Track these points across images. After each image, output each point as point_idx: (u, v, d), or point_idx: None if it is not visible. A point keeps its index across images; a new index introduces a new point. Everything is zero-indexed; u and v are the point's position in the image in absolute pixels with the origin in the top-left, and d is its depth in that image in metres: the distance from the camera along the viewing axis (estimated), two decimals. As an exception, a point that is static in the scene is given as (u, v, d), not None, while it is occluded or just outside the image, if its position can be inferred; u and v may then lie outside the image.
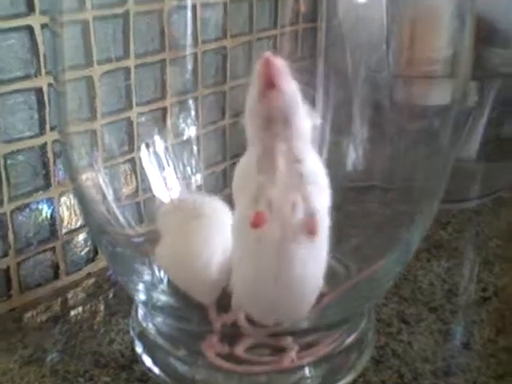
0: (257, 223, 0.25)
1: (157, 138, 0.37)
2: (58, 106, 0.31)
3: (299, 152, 0.24)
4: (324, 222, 0.25)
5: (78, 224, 0.38)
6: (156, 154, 0.36)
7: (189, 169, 0.38)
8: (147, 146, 0.36)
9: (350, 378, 0.30)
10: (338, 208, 0.33)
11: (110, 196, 0.33)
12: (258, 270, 0.26)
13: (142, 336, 0.31)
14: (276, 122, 0.24)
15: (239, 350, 0.28)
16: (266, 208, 0.24)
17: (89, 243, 0.39)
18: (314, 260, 0.25)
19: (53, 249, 0.37)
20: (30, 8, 0.33)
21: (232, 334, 0.28)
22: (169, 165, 0.37)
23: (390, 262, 0.30)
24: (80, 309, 0.36)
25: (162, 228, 0.30)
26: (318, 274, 0.26)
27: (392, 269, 0.30)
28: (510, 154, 0.52)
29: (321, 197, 0.25)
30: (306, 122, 0.24)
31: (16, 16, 0.32)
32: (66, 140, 0.31)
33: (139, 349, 0.31)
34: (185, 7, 0.37)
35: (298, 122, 0.24)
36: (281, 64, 0.23)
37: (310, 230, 0.24)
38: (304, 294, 0.26)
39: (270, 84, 0.23)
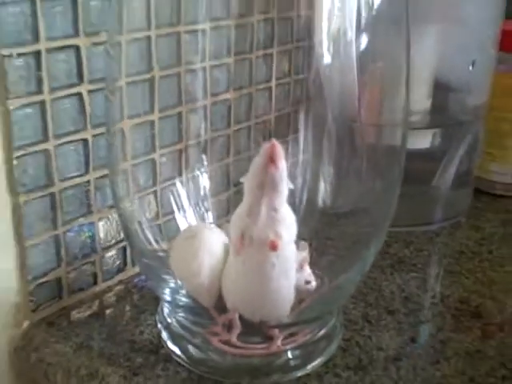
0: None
1: (174, 174, 0.47)
2: (109, 151, 0.41)
3: (276, 205, 0.34)
4: (291, 250, 0.36)
5: (112, 242, 0.48)
6: (174, 186, 0.46)
7: (199, 197, 0.48)
8: (167, 180, 0.46)
9: (321, 359, 0.39)
10: (315, 232, 0.44)
11: (141, 219, 0.43)
12: (245, 284, 0.36)
13: (167, 328, 0.41)
14: (267, 186, 0.34)
15: (233, 337, 0.37)
16: (249, 241, 0.35)
17: (120, 257, 0.49)
18: (284, 276, 0.35)
19: (93, 261, 0.47)
20: (81, 79, 0.42)
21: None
22: (183, 194, 0.47)
23: (353, 274, 0.40)
24: (115, 308, 0.46)
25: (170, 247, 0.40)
26: (289, 285, 0.36)
27: (354, 278, 0.40)
28: (466, 183, 0.62)
29: (287, 233, 0.35)
30: (285, 187, 0.34)
31: (70, 86, 0.42)
32: (113, 178, 0.41)
33: (165, 337, 0.41)
34: (197, 70, 0.47)
35: (280, 187, 0.34)
36: (280, 149, 0.33)
37: (271, 246, 0.34)
38: (279, 300, 0.36)
39: (271, 160, 0.33)
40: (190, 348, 0.39)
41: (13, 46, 0.39)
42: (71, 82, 0.42)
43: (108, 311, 0.45)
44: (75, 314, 0.45)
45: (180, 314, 0.40)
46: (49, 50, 0.40)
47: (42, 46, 0.40)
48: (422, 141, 0.58)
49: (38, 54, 0.40)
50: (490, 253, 0.54)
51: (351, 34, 0.41)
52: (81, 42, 0.42)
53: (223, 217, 0.48)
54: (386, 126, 0.45)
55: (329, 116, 0.46)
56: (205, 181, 0.48)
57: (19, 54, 0.39)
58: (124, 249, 0.49)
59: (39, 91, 0.41)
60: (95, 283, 0.47)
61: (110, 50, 0.39)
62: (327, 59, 0.44)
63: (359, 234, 0.42)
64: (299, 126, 0.48)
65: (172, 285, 0.40)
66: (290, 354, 0.39)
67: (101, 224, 0.47)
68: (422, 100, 0.58)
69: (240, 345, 0.38)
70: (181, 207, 0.46)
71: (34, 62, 0.40)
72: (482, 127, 0.60)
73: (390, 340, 0.42)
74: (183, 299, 0.39)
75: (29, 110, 0.41)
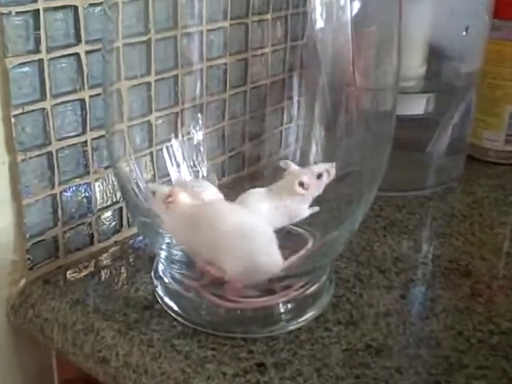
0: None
1: (170, 136, 0.47)
2: (106, 111, 0.41)
3: None
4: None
5: (108, 203, 0.48)
6: (170, 148, 0.47)
7: (195, 160, 0.48)
8: (163, 142, 0.47)
9: (312, 314, 0.40)
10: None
11: (138, 179, 0.43)
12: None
13: (163, 284, 0.42)
14: None
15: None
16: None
17: (116, 218, 0.49)
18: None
19: (89, 222, 0.47)
20: (78, 39, 0.43)
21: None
22: (179, 157, 0.47)
23: (343, 231, 0.41)
24: (111, 267, 0.46)
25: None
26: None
27: (343, 236, 0.41)
28: (459, 149, 0.62)
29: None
30: None
31: (68, 46, 0.42)
32: (110, 138, 0.41)
33: (161, 293, 0.42)
34: (193, 33, 0.47)
35: None
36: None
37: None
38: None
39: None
40: (185, 302, 0.40)
41: (11, 4, 0.39)
42: (69, 42, 0.43)
43: (104, 270, 0.46)
44: (71, 273, 0.46)
45: (175, 269, 0.41)
46: (47, 10, 0.41)
47: (40, 5, 0.40)
48: (417, 106, 0.59)
49: (36, 13, 0.40)
50: (480, 216, 0.55)
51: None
52: (78, 2, 0.42)
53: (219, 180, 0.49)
54: (378, 90, 0.45)
55: (324, 81, 0.46)
56: (201, 143, 0.48)
57: (18, 13, 0.40)
58: (120, 210, 0.49)
59: (37, 50, 0.41)
60: (91, 243, 0.48)
61: (108, 11, 0.40)
62: (321, 25, 0.45)
63: (350, 195, 0.43)
64: (294, 91, 0.49)
65: (167, 240, 0.40)
66: (281, 308, 0.40)
67: (97, 185, 0.47)
68: (416, 66, 0.59)
69: (234, 298, 0.39)
70: (177, 169, 0.47)
71: (32, 21, 0.40)
72: (475, 94, 0.61)
73: (381, 297, 0.43)
74: (178, 253, 0.40)
75: (27, 69, 0.41)
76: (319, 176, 0.39)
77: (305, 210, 0.40)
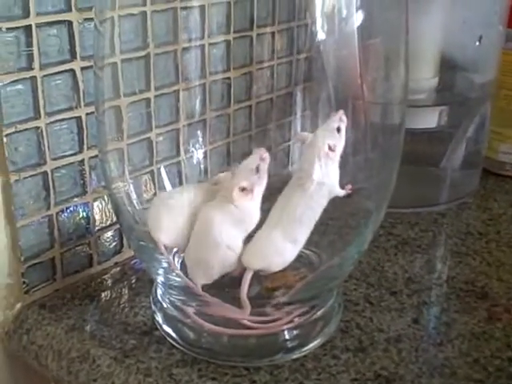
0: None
1: (172, 154, 0.46)
2: (98, 130, 0.40)
3: None
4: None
5: (108, 223, 0.47)
6: (171, 166, 0.45)
7: (197, 179, 0.47)
8: (163, 160, 0.45)
9: (319, 341, 0.38)
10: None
11: (135, 200, 0.41)
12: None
13: (161, 309, 0.40)
14: None
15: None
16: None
17: (116, 238, 0.48)
18: None
19: (88, 243, 0.46)
20: (73, 55, 0.41)
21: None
22: (182, 175, 0.45)
23: (351, 252, 0.39)
24: (110, 290, 0.45)
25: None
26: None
27: (352, 257, 0.39)
28: (474, 163, 0.60)
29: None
30: None
31: (62, 62, 0.41)
32: (103, 157, 0.40)
33: (159, 319, 0.40)
34: (195, 47, 0.45)
35: None
36: None
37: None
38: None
39: None
40: (184, 329, 0.38)
41: (1, 20, 0.38)
42: (63, 59, 0.41)
43: (103, 294, 0.44)
44: (69, 297, 0.44)
45: (173, 295, 0.39)
46: (39, 26, 0.39)
47: (32, 20, 0.39)
48: (429, 119, 0.57)
49: (28, 28, 0.39)
50: (497, 233, 0.52)
51: (348, 11, 0.40)
52: (73, 17, 0.41)
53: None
54: (386, 103, 0.43)
55: (330, 94, 0.45)
56: (204, 161, 0.46)
57: (8, 29, 0.38)
58: (121, 230, 0.48)
59: (30, 67, 0.40)
60: (91, 265, 0.46)
61: (99, 27, 0.38)
62: (325, 37, 0.43)
63: (359, 214, 0.41)
64: (301, 105, 0.47)
65: (165, 265, 0.38)
66: (287, 335, 0.38)
67: (96, 204, 0.46)
68: (428, 77, 0.57)
69: (250, 324, 0.36)
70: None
71: (24, 37, 0.39)
72: (489, 106, 0.59)
73: (392, 321, 0.41)
74: (176, 279, 0.38)
75: (19, 87, 0.40)
76: (338, 130, 0.37)
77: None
